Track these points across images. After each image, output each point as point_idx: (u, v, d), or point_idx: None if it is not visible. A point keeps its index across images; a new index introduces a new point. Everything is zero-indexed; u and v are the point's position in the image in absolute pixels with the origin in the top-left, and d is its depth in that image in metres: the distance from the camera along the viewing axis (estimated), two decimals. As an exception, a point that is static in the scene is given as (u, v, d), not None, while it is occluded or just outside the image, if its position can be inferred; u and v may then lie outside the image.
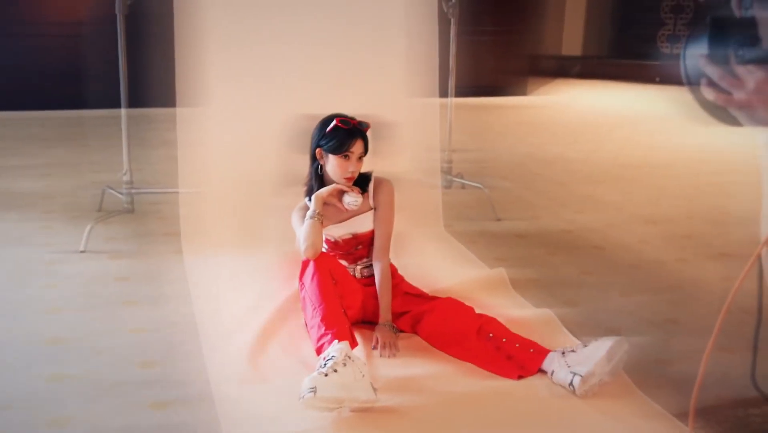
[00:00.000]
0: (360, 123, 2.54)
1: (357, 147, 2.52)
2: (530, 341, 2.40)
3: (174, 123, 3.50)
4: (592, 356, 2.21)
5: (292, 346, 2.49)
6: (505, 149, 6.63)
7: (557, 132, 7.64)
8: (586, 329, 2.65)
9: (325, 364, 2.08)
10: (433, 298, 2.66)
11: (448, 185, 4.66)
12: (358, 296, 2.58)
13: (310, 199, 2.59)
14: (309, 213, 2.51)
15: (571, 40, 11.55)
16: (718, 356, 2.13)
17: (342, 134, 2.50)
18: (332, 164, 2.54)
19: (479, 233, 3.92)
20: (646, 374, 2.31)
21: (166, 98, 3.49)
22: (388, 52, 3.67)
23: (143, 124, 5.51)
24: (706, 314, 2.72)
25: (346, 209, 2.60)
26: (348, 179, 2.56)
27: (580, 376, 2.16)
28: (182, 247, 3.41)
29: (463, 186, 4.74)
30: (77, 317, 2.77)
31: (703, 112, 1.33)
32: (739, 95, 1.26)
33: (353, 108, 2.62)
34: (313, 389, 1.96)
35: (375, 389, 2.06)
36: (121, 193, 4.08)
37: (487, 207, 4.29)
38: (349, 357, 2.11)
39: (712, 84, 1.28)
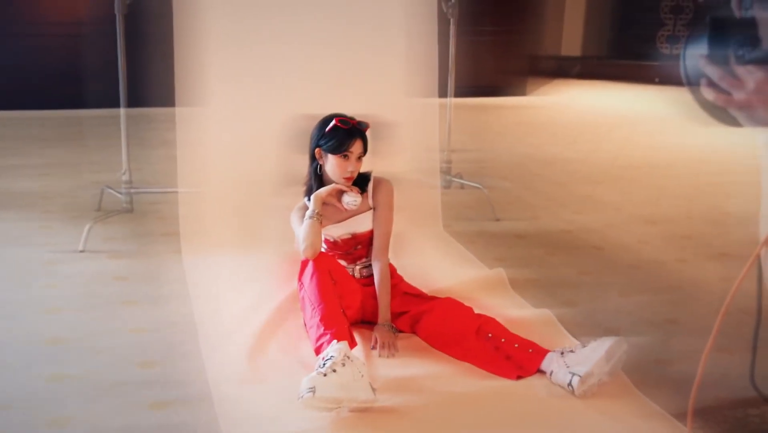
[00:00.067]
0: (359, 123, 2.54)
1: (356, 147, 2.52)
2: (529, 342, 2.40)
3: (173, 123, 3.50)
4: (590, 356, 2.21)
5: (291, 346, 2.50)
6: (505, 149, 6.63)
7: (557, 132, 7.63)
8: (585, 330, 2.65)
9: (324, 364, 2.08)
10: (432, 298, 2.66)
11: (447, 185, 4.66)
12: (357, 296, 2.58)
13: (309, 199, 2.59)
14: (308, 213, 2.52)
15: (571, 41, 11.54)
16: (717, 357, 2.13)
17: (341, 134, 2.51)
18: (331, 164, 2.54)
19: (478, 233, 3.92)
20: (645, 375, 2.31)
21: (166, 98, 3.49)
22: (387, 52, 3.67)
23: (142, 124, 5.50)
24: (705, 314, 2.72)
25: (345, 209, 2.60)
26: (347, 179, 2.56)
27: (579, 376, 2.16)
28: (181, 247, 3.41)
29: (463, 186, 4.74)
30: (77, 317, 2.77)
31: (702, 113, 1.33)
32: (738, 95, 1.26)
33: (352, 108, 2.62)
34: (312, 389, 1.96)
35: (374, 389, 2.06)
36: (120, 193, 4.08)
37: (487, 207, 4.29)
38: (348, 357, 2.11)
39: (711, 84, 1.28)
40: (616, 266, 3.48)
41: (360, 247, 2.68)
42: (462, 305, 2.57)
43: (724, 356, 2.34)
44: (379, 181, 2.67)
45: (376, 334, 2.52)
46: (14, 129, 7.06)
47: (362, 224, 2.65)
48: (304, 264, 2.48)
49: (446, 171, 4.67)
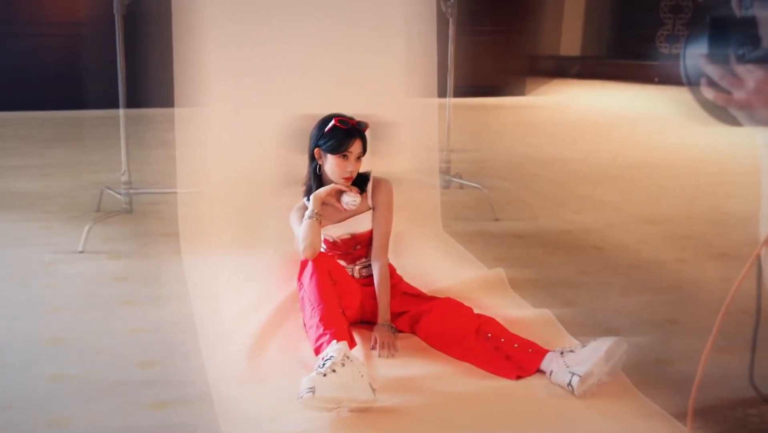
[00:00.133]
0: (358, 123, 2.54)
1: (355, 147, 2.52)
2: (529, 341, 2.40)
3: (172, 123, 3.50)
4: (590, 356, 2.21)
5: (291, 346, 2.49)
6: (504, 149, 6.63)
7: (556, 132, 7.64)
8: (584, 329, 2.65)
9: (323, 364, 2.08)
10: (432, 298, 2.66)
11: (446, 185, 4.66)
12: (357, 296, 2.58)
13: (308, 199, 2.59)
14: (307, 213, 2.52)
15: (570, 40, 11.55)
16: (717, 357, 2.13)
17: (340, 134, 2.50)
18: (331, 164, 2.54)
19: (478, 233, 3.92)
20: (645, 374, 2.31)
21: (165, 98, 3.49)
22: (386, 52, 3.67)
23: (142, 125, 5.50)
24: (705, 314, 2.72)
25: (345, 209, 2.60)
26: (346, 179, 2.56)
27: (579, 376, 2.16)
28: (181, 247, 3.41)
29: (462, 186, 4.74)
30: (77, 317, 2.77)
31: (702, 112, 1.33)
32: (738, 95, 1.26)
33: (352, 108, 2.62)
34: (312, 389, 1.96)
35: (373, 389, 2.06)
36: (120, 194, 4.08)
37: (486, 207, 4.29)
38: (348, 357, 2.11)
39: (711, 84, 1.28)
40: (616, 266, 3.48)
41: (359, 247, 2.68)
42: (461, 305, 2.57)
43: (723, 356, 2.34)
44: (378, 181, 2.67)
45: (376, 334, 2.52)
46: (14, 129, 7.06)
47: (362, 224, 2.65)
48: (304, 264, 2.48)
49: (445, 171, 4.67)
